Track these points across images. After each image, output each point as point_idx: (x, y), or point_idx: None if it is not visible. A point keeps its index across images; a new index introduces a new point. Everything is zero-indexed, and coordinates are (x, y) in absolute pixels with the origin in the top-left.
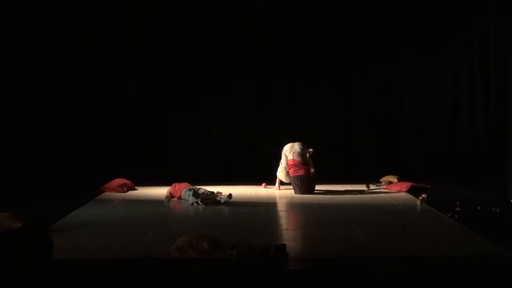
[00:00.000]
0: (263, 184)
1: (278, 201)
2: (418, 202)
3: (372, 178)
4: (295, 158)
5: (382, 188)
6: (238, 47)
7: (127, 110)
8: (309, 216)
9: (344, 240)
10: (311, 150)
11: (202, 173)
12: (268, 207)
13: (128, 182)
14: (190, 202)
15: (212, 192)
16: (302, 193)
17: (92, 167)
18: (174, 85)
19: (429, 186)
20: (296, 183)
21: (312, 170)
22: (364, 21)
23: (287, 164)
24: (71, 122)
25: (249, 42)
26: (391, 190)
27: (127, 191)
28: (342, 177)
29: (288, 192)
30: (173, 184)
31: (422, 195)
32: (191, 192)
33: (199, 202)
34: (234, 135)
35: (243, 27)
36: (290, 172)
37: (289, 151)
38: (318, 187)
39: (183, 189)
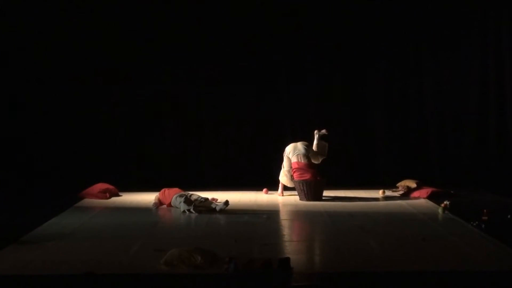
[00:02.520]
0: (264, 190)
1: (281, 208)
2: (440, 210)
3: (388, 182)
4: (299, 160)
5: (399, 194)
6: (237, 41)
7: (110, 106)
8: (316, 226)
9: (355, 253)
10: (323, 131)
11: (195, 177)
12: (269, 215)
13: (111, 187)
14: (182, 210)
15: (206, 199)
16: (308, 199)
17: (71, 170)
18: (162, 79)
19: (452, 192)
20: (302, 188)
21: (324, 154)
22: (380, 12)
23: (291, 167)
24: (47, 120)
25: (250, 36)
26: (410, 196)
27: (110, 197)
28: (353, 182)
29: (292, 198)
30: (162, 190)
31: (445, 202)
32: (182, 199)
33: (191, 210)
34: (231, 133)
35: (245, 24)
36: (294, 176)
37: (292, 153)
38: (326, 193)
39: (173, 195)
